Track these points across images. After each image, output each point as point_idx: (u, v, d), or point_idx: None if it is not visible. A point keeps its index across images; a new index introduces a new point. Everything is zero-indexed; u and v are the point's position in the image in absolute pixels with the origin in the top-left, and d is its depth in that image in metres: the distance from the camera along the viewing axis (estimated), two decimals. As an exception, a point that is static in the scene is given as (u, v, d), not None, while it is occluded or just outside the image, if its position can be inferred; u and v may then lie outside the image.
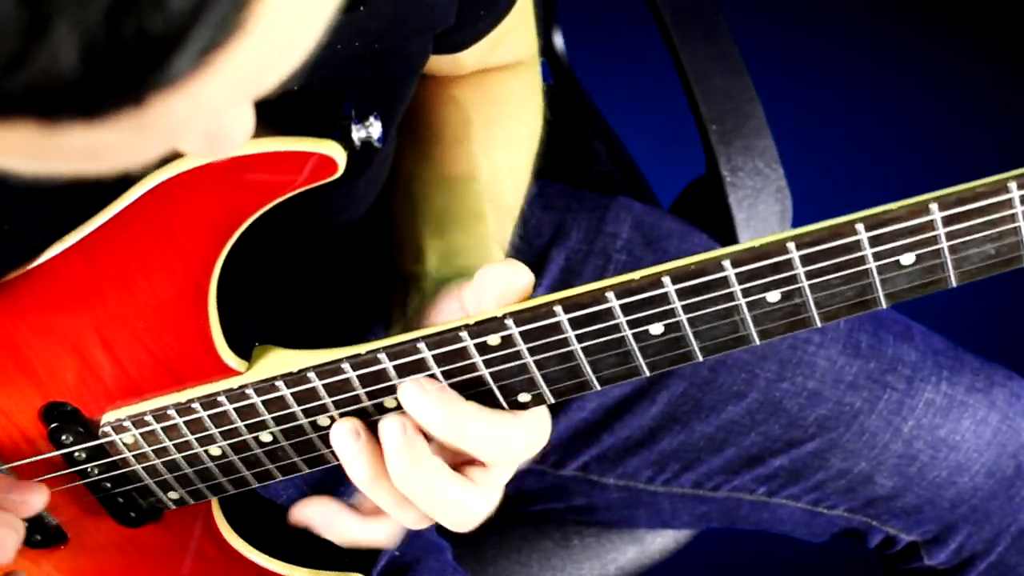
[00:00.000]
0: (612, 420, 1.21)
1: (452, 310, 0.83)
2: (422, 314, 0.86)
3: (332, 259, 1.02)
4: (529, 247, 1.21)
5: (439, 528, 1.17)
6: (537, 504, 1.27)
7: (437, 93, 1.03)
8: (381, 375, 0.80)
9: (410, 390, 0.79)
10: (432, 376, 0.80)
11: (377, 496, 0.82)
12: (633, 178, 1.49)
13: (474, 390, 0.81)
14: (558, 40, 1.60)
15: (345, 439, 0.81)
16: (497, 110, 1.04)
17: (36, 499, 0.87)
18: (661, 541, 1.33)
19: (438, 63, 1.01)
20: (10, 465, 0.88)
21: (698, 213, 1.35)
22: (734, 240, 1.30)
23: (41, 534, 0.92)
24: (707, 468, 1.21)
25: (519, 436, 0.81)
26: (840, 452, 1.18)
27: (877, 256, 0.73)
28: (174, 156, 0.74)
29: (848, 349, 1.18)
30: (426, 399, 0.79)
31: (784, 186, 1.32)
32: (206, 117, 0.49)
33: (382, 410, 0.82)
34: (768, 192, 1.31)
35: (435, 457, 0.80)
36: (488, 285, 0.78)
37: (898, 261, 0.73)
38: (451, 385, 0.80)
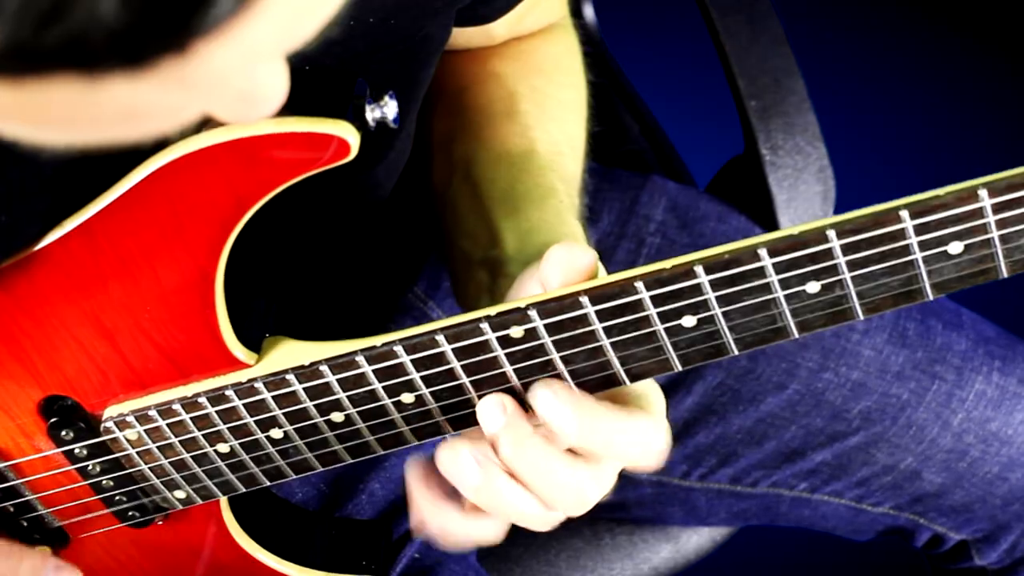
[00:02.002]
0: (642, 413, 1.20)
1: (534, 291, 0.82)
2: (510, 297, 0.84)
3: (348, 245, 1.01)
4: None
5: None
6: (566, 500, 1.25)
7: (477, 71, 1.03)
8: (398, 369, 0.80)
9: (543, 395, 0.78)
10: (452, 368, 0.79)
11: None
12: (667, 157, 1.48)
13: (496, 386, 0.80)
14: (588, 10, 1.58)
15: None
16: (542, 80, 1.04)
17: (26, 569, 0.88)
18: (697, 540, 1.32)
19: (467, 35, 1.01)
20: (8, 463, 0.88)
21: (736, 194, 1.34)
22: (774, 222, 1.29)
23: (40, 534, 0.92)
24: (745, 463, 1.21)
25: (656, 435, 0.80)
26: (886, 446, 1.18)
27: (923, 245, 0.72)
28: (204, 126, 0.73)
29: (895, 338, 1.18)
30: (557, 402, 0.78)
31: (827, 165, 1.31)
32: (245, 70, 0.50)
33: (400, 407, 0.82)
34: (810, 172, 1.31)
35: (539, 437, 0.79)
36: (550, 266, 0.77)
37: (946, 251, 0.72)
38: (471, 382, 0.80)
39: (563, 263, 0.76)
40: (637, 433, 0.79)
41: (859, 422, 1.17)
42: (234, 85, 0.51)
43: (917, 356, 1.18)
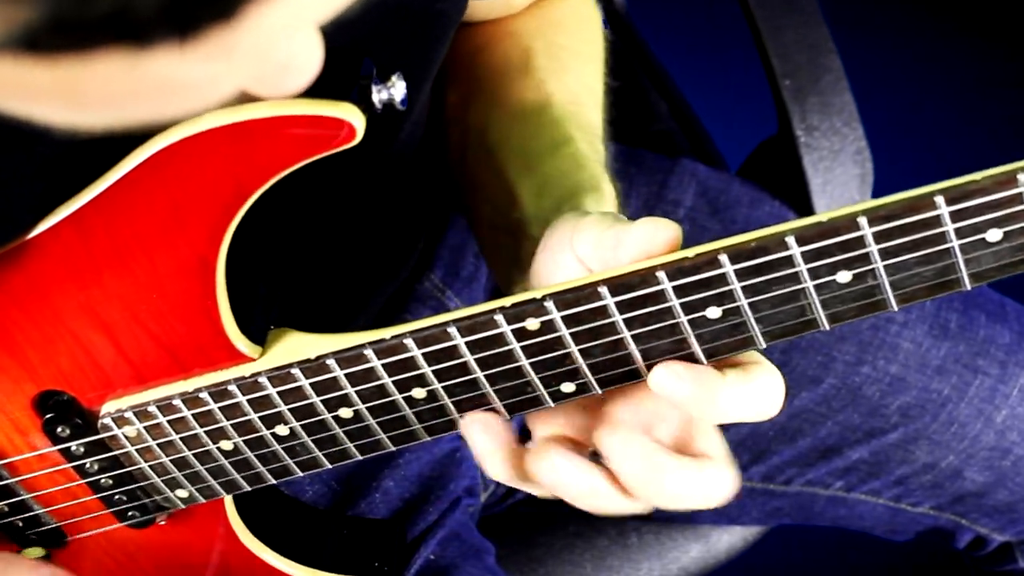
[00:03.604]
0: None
1: (567, 263, 0.80)
2: (536, 262, 0.83)
3: (357, 232, 1.01)
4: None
5: (488, 528, 1.16)
6: (591, 498, 1.25)
7: (491, 31, 1.03)
8: (409, 363, 0.79)
9: (663, 376, 0.76)
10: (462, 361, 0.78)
11: None
12: (697, 138, 1.48)
13: (511, 381, 0.79)
14: (615, -13, 1.58)
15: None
16: (558, 33, 1.03)
17: None
18: (728, 539, 1.32)
19: (489, 7, 1.01)
20: (3, 461, 0.88)
21: (769, 177, 1.33)
22: (809, 208, 1.28)
23: (37, 534, 0.92)
24: (779, 460, 1.20)
25: (776, 382, 0.77)
26: (926, 444, 1.17)
27: (960, 232, 0.71)
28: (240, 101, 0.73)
29: (935, 330, 1.17)
30: (681, 384, 0.76)
31: (864, 147, 1.31)
32: (286, 38, 0.50)
33: (411, 402, 0.81)
34: (846, 154, 1.30)
35: (661, 451, 0.77)
36: (630, 238, 0.75)
37: (984, 238, 0.71)
38: (486, 376, 0.79)
39: (644, 236, 0.75)
40: (763, 389, 0.77)
41: (898, 418, 1.17)
42: (274, 55, 0.51)
43: (959, 349, 1.17)
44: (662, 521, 1.30)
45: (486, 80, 1.00)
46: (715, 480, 0.78)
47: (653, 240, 0.74)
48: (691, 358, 0.78)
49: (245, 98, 0.70)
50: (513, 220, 0.90)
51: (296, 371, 0.80)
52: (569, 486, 0.79)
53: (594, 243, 0.77)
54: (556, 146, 0.93)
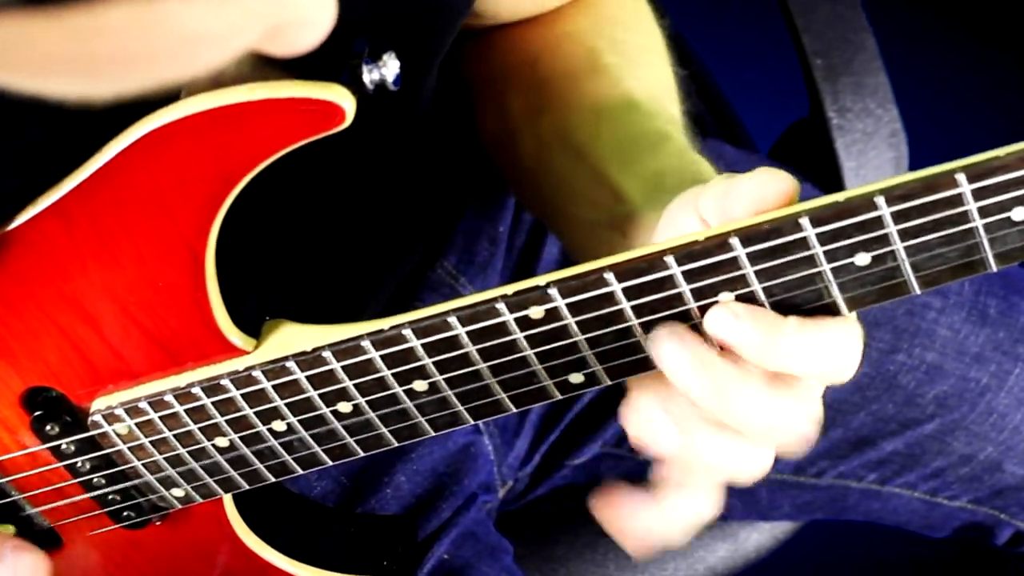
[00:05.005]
0: (698, 398, 1.19)
1: (688, 222, 0.77)
2: (656, 236, 0.81)
3: (359, 217, 1.00)
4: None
5: (506, 526, 1.16)
6: (615, 494, 1.24)
7: (545, 36, 1.03)
8: (408, 354, 0.78)
9: (720, 317, 0.74)
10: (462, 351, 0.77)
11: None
12: (726, 119, 1.48)
13: (516, 371, 0.78)
14: (641, -37, 1.58)
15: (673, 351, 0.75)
16: (618, 30, 1.03)
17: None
18: (757, 538, 1.32)
19: (513, 4, 1.01)
20: (-8, 460, 0.87)
21: (800, 160, 1.33)
22: (841, 191, 1.27)
23: (30, 537, 0.91)
24: (810, 452, 1.18)
25: (853, 338, 0.75)
26: (963, 435, 1.17)
27: (983, 212, 0.69)
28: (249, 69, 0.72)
29: (974, 316, 1.17)
30: (739, 323, 0.74)
31: (899, 129, 1.31)
32: None
33: (413, 395, 0.80)
34: (880, 136, 1.30)
35: (731, 365, 0.75)
36: (742, 189, 0.73)
37: (1009, 217, 0.70)
38: (489, 367, 0.78)
39: (757, 187, 0.73)
40: (833, 341, 0.75)
41: (934, 408, 1.16)
42: (288, 5, 0.51)
43: (999, 336, 1.16)
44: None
45: (555, 84, 1.00)
46: (842, 340, 0.75)
47: (764, 192, 0.73)
48: (703, 347, 0.77)
49: (254, 66, 0.70)
50: (619, 214, 0.90)
51: (291, 364, 0.80)
52: (662, 436, 0.77)
53: (715, 196, 0.75)
54: (656, 141, 0.93)
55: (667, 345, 0.74)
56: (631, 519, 0.82)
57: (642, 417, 0.78)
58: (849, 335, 0.75)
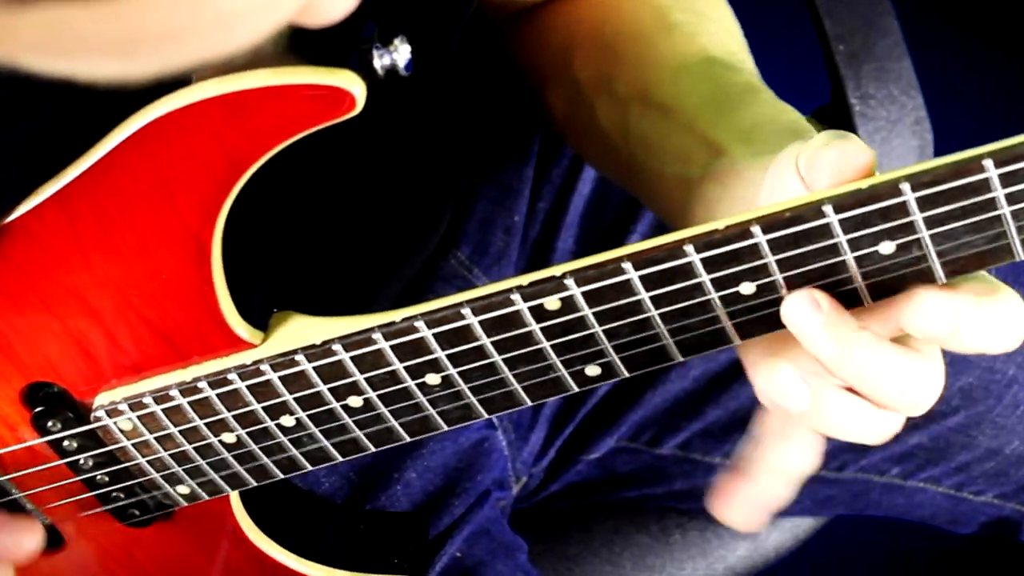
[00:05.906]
0: (717, 390, 1.19)
1: (789, 182, 0.77)
2: (761, 194, 0.81)
3: (369, 207, 1.00)
4: (621, 191, 1.19)
5: (520, 524, 1.15)
6: (630, 490, 1.25)
7: (604, 3, 1.03)
8: (421, 347, 0.78)
9: (797, 304, 0.74)
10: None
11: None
12: (745, 107, 1.46)
13: (531, 364, 0.78)
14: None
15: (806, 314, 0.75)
16: None
17: (28, 540, 0.89)
18: (777, 537, 1.31)
19: None
20: (-8, 458, 0.87)
21: (821, 148, 1.32)
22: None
23: (33, 535, 0.91)
24: (831, 445, 1.16)
25: (927, 383, 0.75)
26: (989, 428, 1.16)
27: (1011, 198, 0.69)
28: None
29: (1000, 305, 1.15)
30: (817, 318, 0.74)
31: (924, 117, 1.30)
32: None
33: (425, 389, 0.80)
34: (904, 124, 1.29)
35: (865, 330, 0.75)
36: (821, 161, 0.73)
37: (1038, 203, 0.69)
38: (504, 360, 0.78)
39: (836, 157, 0.73)
40: (903, 373, 0.75)
41: (959, 401, 1.16)
42: None
43: (1026, 326, 1.15)
44: (707, 516, 1.29)
45: (625, 46, 1.00)
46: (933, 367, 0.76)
47: (841, 165, 0.72)
48: (723, 336, 0.76)
49: (262, 51, 0.69)
50: (718, 167, 0.88)
51: (300, 357, 0.79)
52: (793, 397, 0.78)
53: (808, 162, 0.75)
54: (745, 92, 0.92)
55: (800, 308, 0.74)
56: (737, 499, 0.85)
57: (775, 378, 0.77)
58: (925, 379, 0.75)
